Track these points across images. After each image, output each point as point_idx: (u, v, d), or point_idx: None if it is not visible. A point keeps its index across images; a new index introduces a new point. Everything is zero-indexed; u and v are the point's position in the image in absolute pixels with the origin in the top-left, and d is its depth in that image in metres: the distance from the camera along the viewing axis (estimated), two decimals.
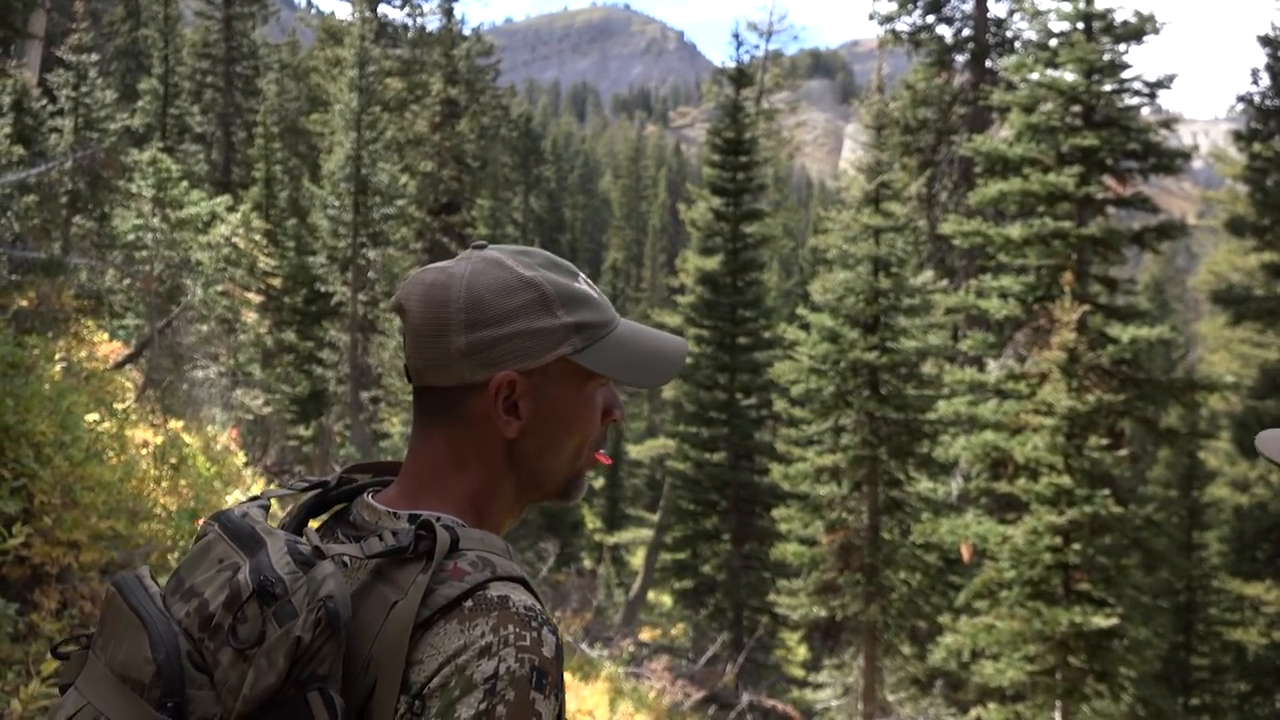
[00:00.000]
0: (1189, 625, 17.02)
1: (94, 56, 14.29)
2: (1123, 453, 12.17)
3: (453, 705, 0.89)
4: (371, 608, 0.95)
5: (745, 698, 14.51)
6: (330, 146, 22.49)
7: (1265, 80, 19.97)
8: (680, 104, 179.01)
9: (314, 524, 1.13)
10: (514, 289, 1.04)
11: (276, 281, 20.23)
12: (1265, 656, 16.45)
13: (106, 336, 10.70)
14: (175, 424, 7.97)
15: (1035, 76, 13.95)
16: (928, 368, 15.88)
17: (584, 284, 1.09)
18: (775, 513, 16.40)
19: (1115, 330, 12.49)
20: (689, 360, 18.47)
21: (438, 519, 1.01)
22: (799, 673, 20.06)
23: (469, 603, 0.94)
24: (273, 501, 1.12)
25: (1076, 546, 11.63)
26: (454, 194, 24.05)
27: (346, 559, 0.99)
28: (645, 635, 19.85)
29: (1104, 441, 11.98)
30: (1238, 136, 20.22)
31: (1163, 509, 16.74)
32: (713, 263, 20.50)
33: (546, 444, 1.08)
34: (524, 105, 62.62)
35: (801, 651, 21.65)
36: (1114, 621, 11.34)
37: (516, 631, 0.93)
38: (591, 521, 29.20)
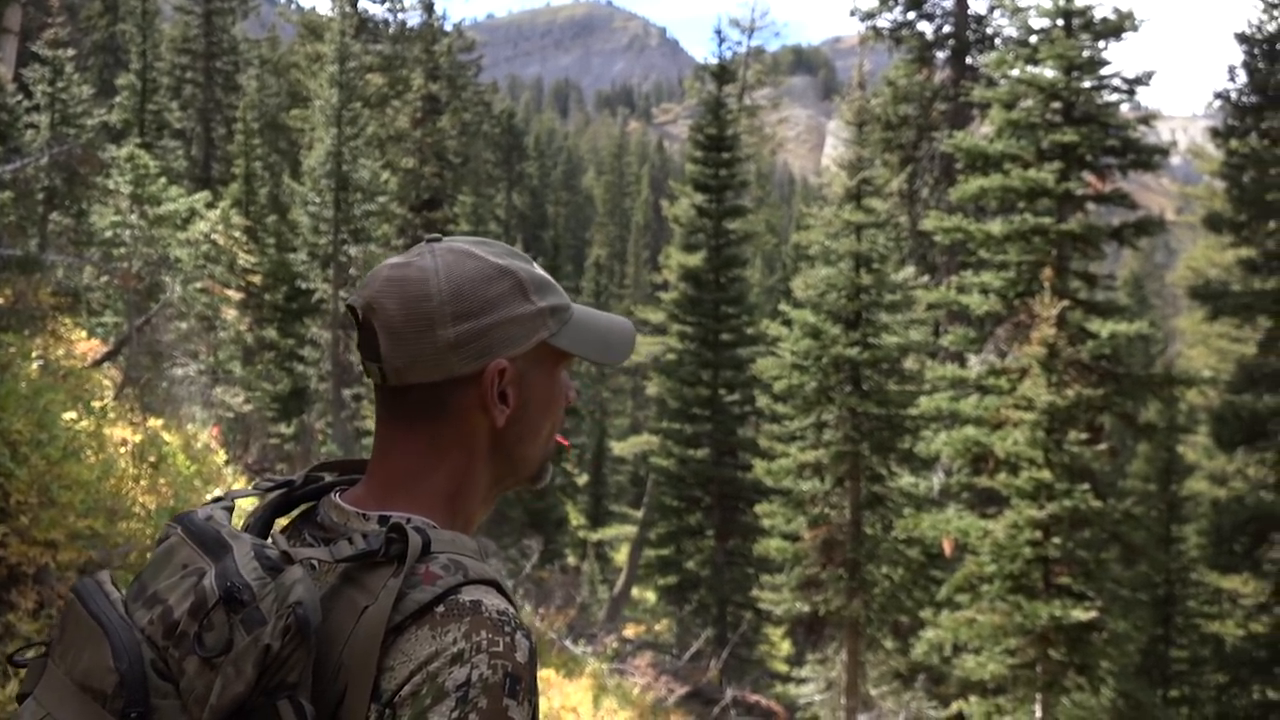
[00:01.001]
0: (1168, 618, 17.17)
1: (71, 51, 14.15)
2: (1102, 447, 12.27)
3: (424, 713, 0.88)
4: (341, 612, 0.94)
5: (729, 693, 14.55)
6: (311, 142, 22.36)
7: (1242, 77, 20.13)
8: (663, 100, 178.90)
9: (281, 523, 1.11)
10: (492, 277, 1.04)
11: (257, 278, 20.10)
12: (1243, 648, 16.60)
13: (84, 334, 10.60)
14: (154, 422, 7.90)
15: (1015, 73, 14.01)
16: (909, 363, 15.95)
17: (541, 269, 1.11)
18: (758, 508, 16.44)
19: (1095, 325, 12.57)
20: (672, 357, 18.29)
21: (408, 520, 0.99)
22: (782, 668, 20.14)
23: (441, 608, 0.93)
24: (240, 502, 1.11)
25: (1056, 540, 11.72)
26: (436, 190, 23.95)
27: (315, 562, 0.98)
28: (629, 632, 19.86)
29: (1083, 436, 12.06)
30: (1215, 133, 20.38)
31: (1141, 503, 16.86)
32: (696, 259, 20.52)
33: (528, 429, 1.08)
34: (506, 101, 62.42)
35: (785, 647, 21.74)
36: (1093, 615, 11.43)
37: (489, 637, 0.91)
38: (575, 518, 29.17)
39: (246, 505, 1.56)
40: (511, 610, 0.96)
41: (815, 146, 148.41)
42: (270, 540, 1.01)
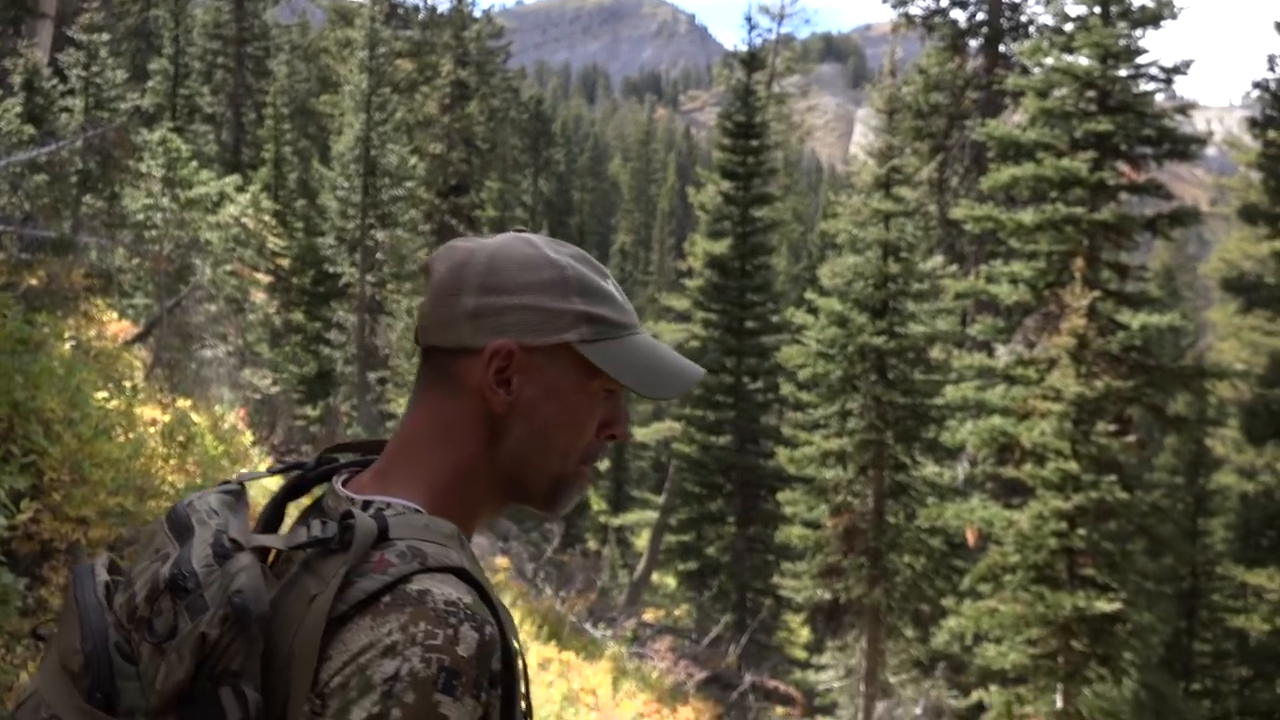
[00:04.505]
0: (1192, 611, 17.04)
1: (105, 36, 14.28)
2: (1130, 439, 12.16)
3: (348, 706, 0.86)
4: (294, 601, 0.92)
5: (748, 679, 14.59)
6: (340, 128, 22.48)
7: None
8: (691, 87, 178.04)
9: (304, 503, 1.09)
10: (535, 265, 1.02)
11: (285, 262, 20.26)
12: (1267, 643, 16.47)
13: (115, 315, 10.75)
14: (183, 402, 8.00)
15: (1050, 61, 13.85)
16: (936, 353, 15.87)
17: (611, 286, 1.06)
18: (780, 496, 16.43)
19: (1125, 317, 12.45)
20: (696, 344, 18.18)
21: (387, 505, 0.98)
22: (801, 654, 20.15)
23: (387, 598, 0.89)
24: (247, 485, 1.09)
25: (1082, 532, 11.65)
26: (463, 176, 24.03)
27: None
28: (649, 616, 19.92)
29: (1112, 428, 11.97)
30: (1252, 124, 20.09)
31: (1169, 496, 16.72)
32: (721, 246, 20.48)
33: (536, 431, 1.03)
34: (534, 87, 62.35)
35: (804, 633, 21.72)
36: (1117, 606, 11.37)
37: (427, 629, 0.87)
38: (596, 503, 29.29)
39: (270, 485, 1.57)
40: (466, 600, 0.90)
41: (843, 134, 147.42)
42: (232, 527, 1.00)
